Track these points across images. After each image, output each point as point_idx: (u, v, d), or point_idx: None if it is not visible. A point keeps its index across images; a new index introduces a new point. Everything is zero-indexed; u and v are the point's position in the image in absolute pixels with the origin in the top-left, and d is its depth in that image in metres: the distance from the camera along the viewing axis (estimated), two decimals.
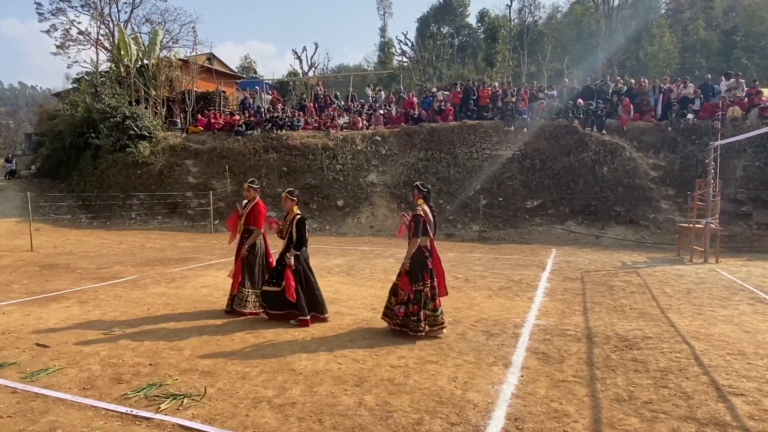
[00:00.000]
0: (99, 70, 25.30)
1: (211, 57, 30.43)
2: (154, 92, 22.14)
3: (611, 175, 15.31)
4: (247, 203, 6.22)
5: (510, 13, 44.91)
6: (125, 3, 27.71)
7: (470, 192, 16.29)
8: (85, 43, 26.33)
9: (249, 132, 19.53)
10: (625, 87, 18.11)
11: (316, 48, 57.02)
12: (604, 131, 16.21)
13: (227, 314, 6.11)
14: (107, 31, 25.87)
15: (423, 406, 3.59)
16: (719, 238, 10.87)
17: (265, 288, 5.82)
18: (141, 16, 28.77)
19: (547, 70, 38.21)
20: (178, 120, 22.44)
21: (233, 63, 43.92)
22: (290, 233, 5.63)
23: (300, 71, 38.26)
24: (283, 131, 19.22)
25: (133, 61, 22.55)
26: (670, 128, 15.88)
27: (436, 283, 5.27)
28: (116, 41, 23.85)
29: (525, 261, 10.78)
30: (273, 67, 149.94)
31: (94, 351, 4.72)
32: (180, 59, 24.32)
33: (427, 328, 5.17)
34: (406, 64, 43.86)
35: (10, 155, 25.99)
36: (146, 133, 19.81)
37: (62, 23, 26.46)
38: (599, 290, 7.77)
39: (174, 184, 18.70)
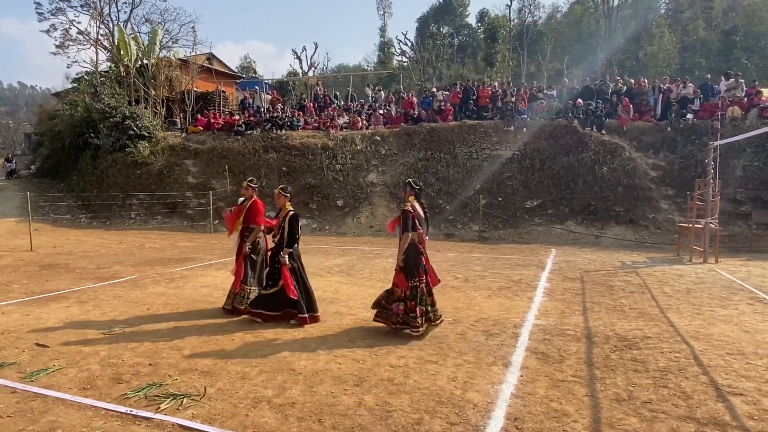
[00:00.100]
0: (98, 69, 25.33)
1: (210, 57, 30.41)
2: (153, 92, 22.13)
3: (611, 175, 15.31)
4: (244, 201, 6.25)
5: (510, 13, 44.91)
6: (125, 3, 27.72)
7: (470, 192, 16.29)
8: (85, 43, 26.37)
9: (249, 132, 19.54)
10: (625, 87, 18.11)
11: (316, 48, 57.10)
12: (603, 131, 16.22)
13: (227, 313, 6.11)
14: (107, 30, 25.87)
15: (423, 405, 3.59)
16: (719, 238, 10.87)
17: (262, 292, 5.84)
18: (140, 16, 28.80)
19: (546, 70, 38.22)
20: (178, 120, 22.43)
21: (233, 63, 43.98)
22: (283, 229, 5.64)
23: (300, 71, 38.25)
24: (283, 131, 19.22)
25: (132, 60, 22.54)
26: (669, 128, 15.89)
27: (429, 279, 5.33)
28: (116, 41, 23.85)
29: (524, 261, 10.79)
30: (273, 67, 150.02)
31: (93, 351, 4.72)
32: (180, 59, 24.31)
33: (425, 325, 5.19)
34: (405, 64, 43.85)
35: (11, 155, 25.97)
36: (146, 133, 19.81)
37: (62, 23, 26.52)
38: (599, 290, 7.77)
39: (174, 184, 18.70)
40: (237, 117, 20.98)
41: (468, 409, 3.54)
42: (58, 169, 21.81)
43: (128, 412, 3.46)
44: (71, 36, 26.31)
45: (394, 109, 20.82)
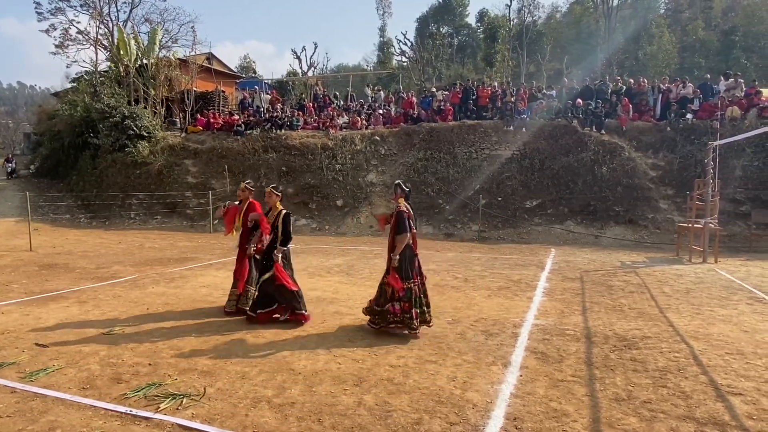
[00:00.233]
0: (98, 69, 25.32)
1: (210, 57, 30.41)
2: (153, 92, 22.12)
3: (610, 175, 15.32)
4: (240, 203, 6.26)
5: (509, 12, 44.90)
6: (124, 2, 27.76)
7: (469, 192, 16.29)
8: (84, 43, 26.37)
9: (248, 132, 19.53)
10: (624, 87, 18.11)
11: (316, 48, 56.97)
12: (603, 131, 16.22)
13: (229, 315, 6.07)
14: (106, 30, 25.89)
15: (422, 405, 3.59)
16: (718, 237, 10.87)
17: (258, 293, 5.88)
18: (140, 16, 28.82)
19: (546, 69, 38.22)
20: (177, 120, 22.42)
21: (232, 63, 43.98)
22: (276, 228, 5.68)
23: (299, 71, 38.23)
24: (283, 131, 19.22)
25: (132, 60, 22.53)
26: (669, 128, 15.90)
27: (422, 280, 5.37)
28: (115, 41, 23.84)
29: (524, 261, 10.79)
30: (272, 66, 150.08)
31: (93, 351, 4.72)
32: (179, 59, 24.31)
33: (420, 327, 5.22)
34: (405, 63, 43.82)
35: (11, 155, 25.95)
36: (145, 133, 19.80)
37: (61, 23, 26.53)
38: (598, 290, 7.77)
39: (173, 183, 18.69)
40: (236, 117, 20.97)
41: (467, 408, 3.55)
42: (57, 169, 21.79)
43: (128, 411, 3.46)
44: (71, 36, 26.36)
45: (393, 109, 20.82)
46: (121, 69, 22.72)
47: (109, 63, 25.09)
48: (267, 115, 20.41)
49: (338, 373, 4.21)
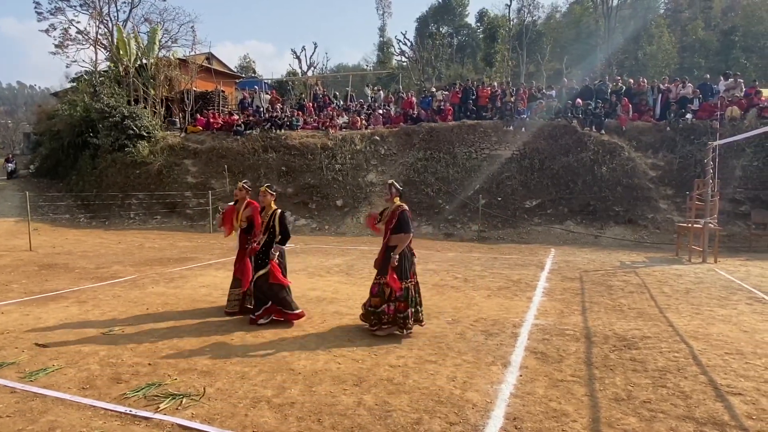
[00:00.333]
0: (98, 69, 25.28)
1: (210, 56, 30.40)
2: (152, 92, 22.11)
3: (610, 174, 15.32)
4: (236, 203, 6.26)
5: (509, 12, 44.94)
6: (124, 2, 27.76)
7: (469, 192, 16.29)
8: (84, 43, 26.32)
9: (248, 132, 19.53)
10: (624, 87, 18.12)
11: (315, 48, 56.69)
12: (602, 131, 16.22)
13: (230, 315, 6.04)
14: (106, 30, 25.86)
15: (422, 405, 3.59)
16: (718, 237, 10.88)
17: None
18: (140, 16, 28.82)
19: (546, 69, 38.23)
20: (177, 120, 22.42)
21: (232, 62, 43.96)
22: (273, 227, 5.69)
23: (299, 71, 38.19)
24: (282, 131, 19.21)
25: (131, 60, 22.52)
26: (668, 128, 15.91)
27: (416, 280, 5.39)
28: (115, 41, 23.83)
29: (524, 261, 10.79)
30: (272, 66, 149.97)
31: (93, 351, 4.72)
32: (179, 59, 24.30)
33: (414, 327, 5.23)
34: (405, 63, 43.79)
35: (11, 155, 25.94)
36: (145, 133, 19.79)
37: (61, 22, 26.49)
38: (598, 290, 7.78)
39: (173, 183, 18.69)
40: (236, 117, 20.96)
41: (467, 408, 3.55)
42: (57, 169, 21.78)
43: (127, 411, 3.46)
44: (70, 35, 26.32)
45: (393, 108, 20.82)
46: (121, 69, 22.70)
47: (108, 63, 25.07)
48: (267, 115, 20.40)
49: (338, 373, 4.21)
